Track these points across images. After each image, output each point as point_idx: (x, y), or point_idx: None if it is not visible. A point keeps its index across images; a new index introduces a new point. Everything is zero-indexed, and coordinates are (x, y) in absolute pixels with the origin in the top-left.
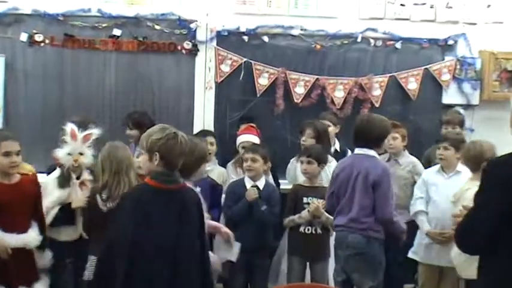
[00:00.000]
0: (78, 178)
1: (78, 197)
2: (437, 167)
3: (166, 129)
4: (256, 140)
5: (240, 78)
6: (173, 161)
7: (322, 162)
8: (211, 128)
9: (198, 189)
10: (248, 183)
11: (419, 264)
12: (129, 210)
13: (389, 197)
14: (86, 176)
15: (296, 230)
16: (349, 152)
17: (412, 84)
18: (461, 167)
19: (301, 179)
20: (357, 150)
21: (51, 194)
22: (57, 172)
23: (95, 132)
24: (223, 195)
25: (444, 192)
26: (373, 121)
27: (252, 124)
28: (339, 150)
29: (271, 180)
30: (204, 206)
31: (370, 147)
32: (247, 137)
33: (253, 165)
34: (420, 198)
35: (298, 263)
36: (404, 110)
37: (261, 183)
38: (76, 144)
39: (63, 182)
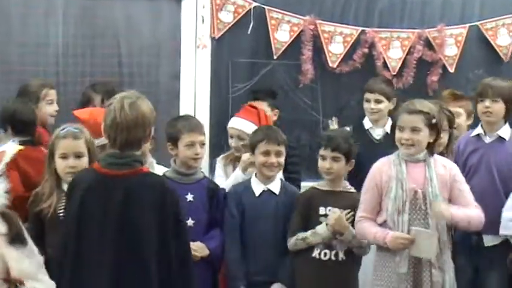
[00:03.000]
0: None
1: None
2: None
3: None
4: (250, 128)
5: (248, 32)
6: (115, 138)
7: (352, 158)
8: (206, 106)
9: (190, 196)
10: (258, 188)
11: None
12: (66, 204)
13: None
14: None
15: (307, 254)
16: None
17: (503, 39)
18: None
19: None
20: None
21: None
22: None
23: None
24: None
25: None
26: None
27: (254, 104)
28: (389, 132)
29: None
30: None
31: None
32: (238, 123)
33: (280, 161)
34: None
35: None
36: (492, 76)
37: (275, 186)
38: None
39: None
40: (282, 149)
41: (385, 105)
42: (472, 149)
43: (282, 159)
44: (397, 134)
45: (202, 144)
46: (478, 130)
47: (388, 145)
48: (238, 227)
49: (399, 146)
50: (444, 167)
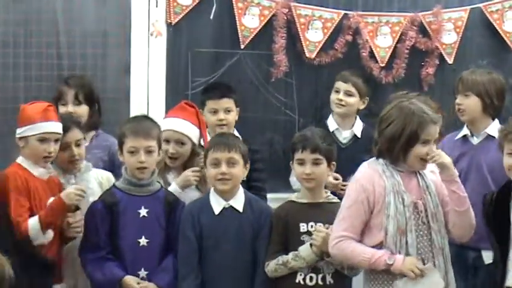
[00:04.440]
0: None
1: None
2: None
3: None
4: (190, 130)
5: (211, 17)
6: None
7: (333, 159)
8: (162, 105)
9: (144, 211)
10: (218, 204)
11: None
12: None
13: None
14: None
15: (290, 280)
16: None
17: (510, 23)
18: None
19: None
20: None
21: None
22: None
23: None
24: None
25: None
26: None
27: (189, 102)
28: (359, 136)
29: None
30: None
31: None
32: (177, 124)
33: (232, 170)
34: None
35: None
36: (498, 69)
37: (238, 202)
38: None
39: None
40: (236, 156)
41: (355, 101)
42: (459, 153)
43: (236, 170)
44: (420, 149)
45: (149, 151)
46: (464, 131)
47: (357, 150)
48: (195, 254)
49: (417, 161)
50: (433, 172)
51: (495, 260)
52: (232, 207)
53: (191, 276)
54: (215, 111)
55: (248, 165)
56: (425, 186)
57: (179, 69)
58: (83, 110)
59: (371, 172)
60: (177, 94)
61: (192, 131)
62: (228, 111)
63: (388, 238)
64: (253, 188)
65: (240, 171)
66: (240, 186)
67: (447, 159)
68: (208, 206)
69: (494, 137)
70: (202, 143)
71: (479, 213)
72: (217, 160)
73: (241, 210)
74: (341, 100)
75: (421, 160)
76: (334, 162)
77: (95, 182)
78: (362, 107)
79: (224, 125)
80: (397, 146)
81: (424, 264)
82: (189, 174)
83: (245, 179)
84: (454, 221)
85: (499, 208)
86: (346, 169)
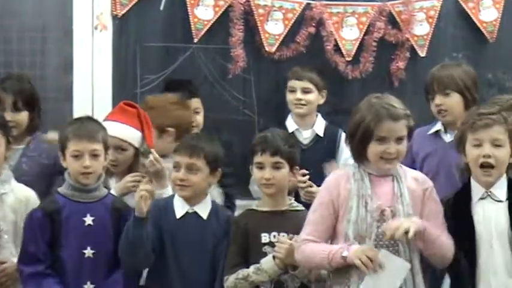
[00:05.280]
0: None
1: None
2: None
3: None
4: (130, 134)
5: (161, 8)
6: None
7: (296, 163)
8: (108, 104)
9: (89, 219)
10: (181, 208)
11: None
12: None
13: None
14: None
15: None
16: (344, 136)
17: (487, 13)
18: None
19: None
20: None
21: None
22: None
23: None
24: None
25: None
26: None
27: (129, 102)
28: (322, 135)
29: (218, 198)
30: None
31: None
32: (112, 128)
33: (191, 177)
34: None
35: None
36: (474, 62)
37: (203, 209)
38: None
39: None
40: (198, 162)
41: (315, 97)
42: (430, 151)
43: (196, 177)
44: (376, 147)
45: (94, 155)
46: (437, 127)
47: (319, 151)
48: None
49: (377, 160)
50: (416, 181)
51: (452, 270)
52: (197, 213)
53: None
54: None
55: (218, 174)
56: (399, 194)
57: (127, 66)
58: (23, 117)
59: (340, 175)
60: (125, 93)
61: (132, 136)
62: (196, 112)
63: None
64: (221, 195)
65: (202, 179)
66: (209, 194)
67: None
68: (171, 208)
69: None
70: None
71: None
72: (178, 164)
73: (205, 217)
74: (300, 100)
75: (381, 159)
76: (297, 167)
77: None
78: (322, 101)
79: (194, 127)
80: (353, 142)
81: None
82: (128, 179)
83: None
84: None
85: (458, 213)
86: (309, 171)
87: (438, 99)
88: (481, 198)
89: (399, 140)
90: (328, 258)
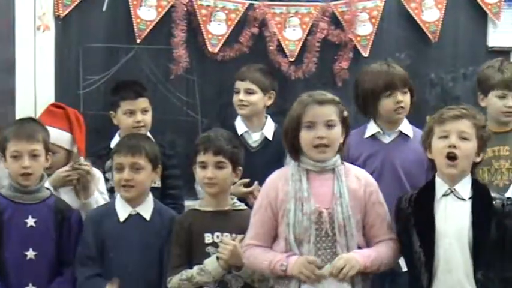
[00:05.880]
0: None
1: None
2: None
3: None
4: (58, 137)
5: (104, 9)
6: None
7: (239, 164)
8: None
9: (31, 220)
10: (124, 211)
11: None
12: None
13: None
14: None
15: None
16: None
17: (430, 13)
18: None
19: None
20: None
21: None
22: None
23: None
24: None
25: None
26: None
27: (57, 103)
28: (271, 138)
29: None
30: None
31: None
32: None
33: (136, 177)
34: None
35: None
36: (417, 62)
37: (146, 209)
38: None
39: None
40: (141, 160)
41: (259, 98)
42: (369, 154)
43: (141, 176)
44: (305, 134)
45: (34, 155)
46: (373, 129)
47: (268, 154)
48: (95, 261)
49: (309, 148)
50: (358, 180)
51: (412, 266)
52: (139, 214)
53: (87, 285)
54: (132, 113)
55: (159, 170)
56: (338, 194)
57: (69, 67)
58: None
59: (278, 176)
60: (68, 94)
61: (61, 138)
62: (145, 111)
63: (288, 248)
64: (169, 196)
65: (146, 177)
66: (150, 193)
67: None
68: (114, 212)
69: (408, 136)
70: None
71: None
72: (120, 165)
73: (148, 218)
74: (242, 101)
75: (313, 148)
76: (240, 167)
77: None
78: (269, 102)
79: (142, 126)
80: (287, 137)
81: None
82: (61, 170)
83: (158, 185)
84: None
85: (420, 209)
86: (258, 175)
87: (401, 96)
88: (444, 195)
89: (329, 125)
90: (269, 268)
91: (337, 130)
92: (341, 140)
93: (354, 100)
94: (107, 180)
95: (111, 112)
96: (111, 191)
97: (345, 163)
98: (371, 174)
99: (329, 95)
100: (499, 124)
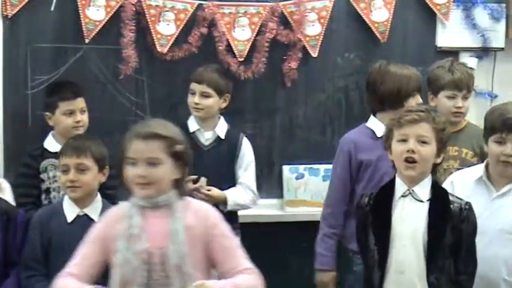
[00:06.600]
0: None
1: None
2: None
3: None
4: None
5: (52, 9)
6: None
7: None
8: None
9: None
10: (72, 212)
11: None
12: None
13: None
14: None
15: None
16: (245, 140)
17: (379, 13)
18: None
19: None
20: None
21: None
22: None
23: None
24: None
25: None
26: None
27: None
28: (223, 137)
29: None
30: None
31: None
32: None
33: (81, 177)
34: None
35: None
36: (366, 62)
37: (94, 210)
38: None
39: None
40: (86, 161)
41: (214, 101)
42: (381, 154)
43: (87, 177)
44: (129, 171)
45: None
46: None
47: (220, 153)
48: (40, 263)
49: (133, 185)
50: (196, 216)
51: (367, 263)
52: (87, 215)
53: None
54: (71, 113)
55: (106, 171)
56: (173, 232)
57: (17, 67)
58: None
59: (117, 212)
60: (16, 94)
61: None
62: (83, 111)
63: None
64: (107, 196)
65: (92, 178)
66: (98, 193)
67: None
68: (61, 212)
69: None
70: None
71: None
72: (66, 166)
73: (96, 219)
74: (197, 104)
75: (137, 185)
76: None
77: None
78: (224, 105)
79: (81, 126)
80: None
81: None
82: None
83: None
84: None
85: (379, 209)
86: (209, 173)
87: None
88: (403, 196)
89: (152, 163)
90: None
91: (165, 169)
92: (175, 177)
93: (378, 93)
94: (42, 180)
95: (46, 113)
96: (46, 191)
97: (188, 198)
98: (382, 176)
99: (157, 129)
100: (449, 124)
